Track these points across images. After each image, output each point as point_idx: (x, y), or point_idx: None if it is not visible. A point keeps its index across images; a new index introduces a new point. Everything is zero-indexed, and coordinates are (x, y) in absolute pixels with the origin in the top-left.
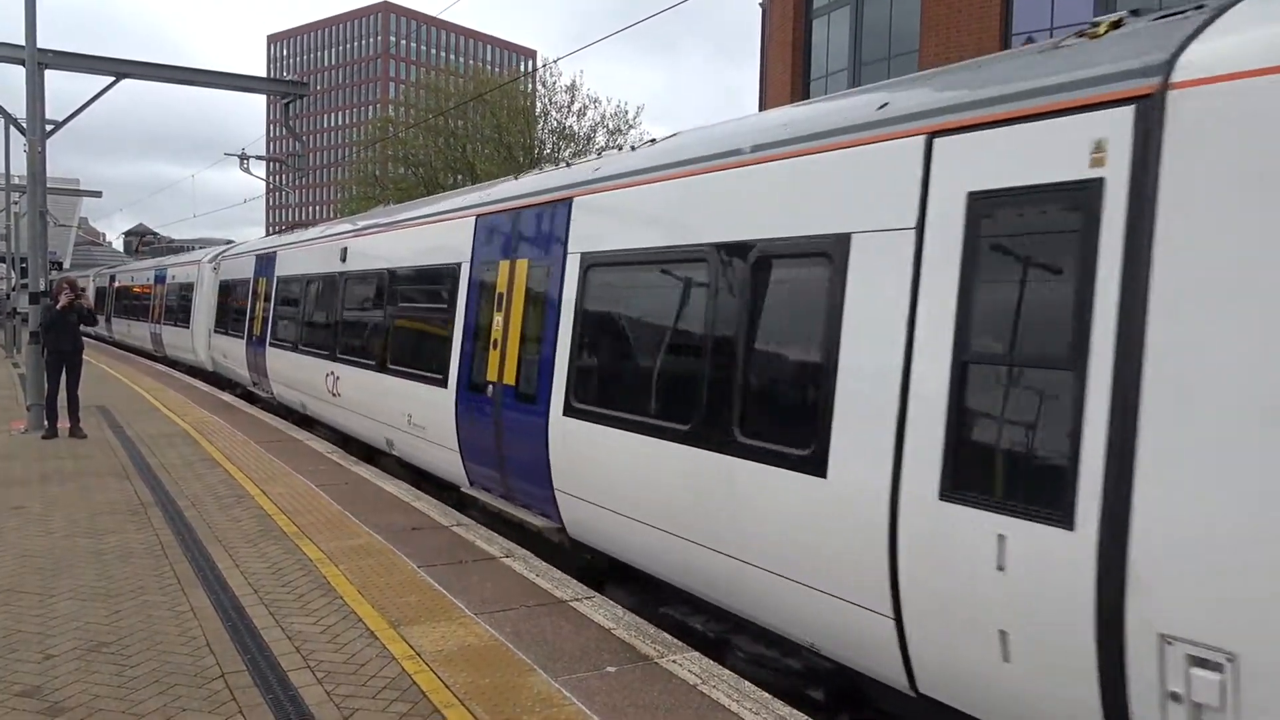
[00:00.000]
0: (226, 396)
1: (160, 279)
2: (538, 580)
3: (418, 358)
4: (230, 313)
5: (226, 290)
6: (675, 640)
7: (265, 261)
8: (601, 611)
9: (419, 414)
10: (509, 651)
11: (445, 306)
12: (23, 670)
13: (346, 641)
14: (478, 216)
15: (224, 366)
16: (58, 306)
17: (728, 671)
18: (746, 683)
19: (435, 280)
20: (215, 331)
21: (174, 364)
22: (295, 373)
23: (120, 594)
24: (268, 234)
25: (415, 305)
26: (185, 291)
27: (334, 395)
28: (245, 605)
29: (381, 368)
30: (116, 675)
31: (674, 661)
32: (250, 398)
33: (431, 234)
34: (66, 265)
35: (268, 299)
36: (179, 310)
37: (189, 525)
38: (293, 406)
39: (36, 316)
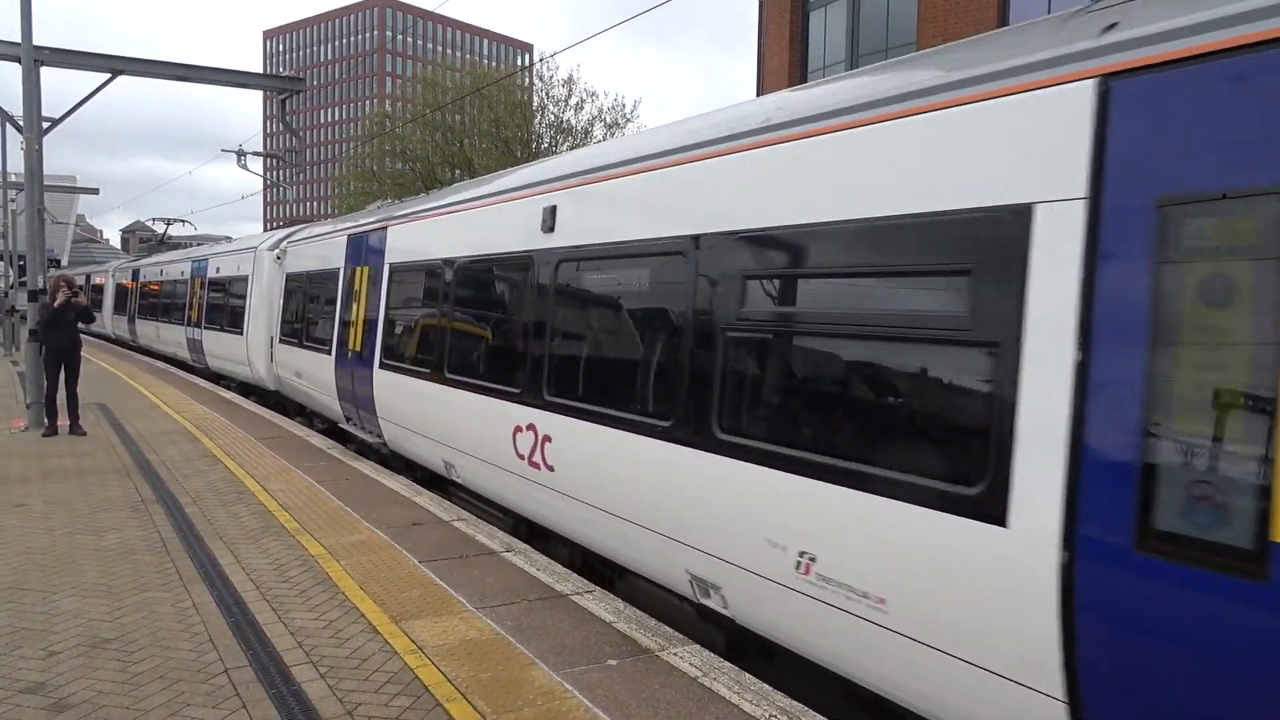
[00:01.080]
0: (226, 393)
1: (199, 272)
2: (539, 574)
3: (846, 431)
4: (306, 316)
5: (299, 286)
6: (676, 633)
7: (367, 243)
8: (603, 605)
9: (859, 568)
10: (511, 645)
11: (960, 314)
12: (26, 667)
13: (349, 636)
14: (1109, 75)
15: (297, 389)
16: (54, 305)
17: (728, 664)
18: (747, 675)
19: (914, 251)
20: (282, 341)
21: (219, 379)
22: (437, 414)
23: (122, 590)
24: (266, 229)
25: (828, 313)
26: (236, 287)
27: (537, 466)
28: (247, 601)
29: (697, 437)
30: (120, 671)
31: (675, 654)
32: (339, 435)
33: (872, 149)
34: (64, 263)
35: (374, 298)
36: (226, 311)
37: (190, 522)
38: (423, 463)
39: (35, 314)
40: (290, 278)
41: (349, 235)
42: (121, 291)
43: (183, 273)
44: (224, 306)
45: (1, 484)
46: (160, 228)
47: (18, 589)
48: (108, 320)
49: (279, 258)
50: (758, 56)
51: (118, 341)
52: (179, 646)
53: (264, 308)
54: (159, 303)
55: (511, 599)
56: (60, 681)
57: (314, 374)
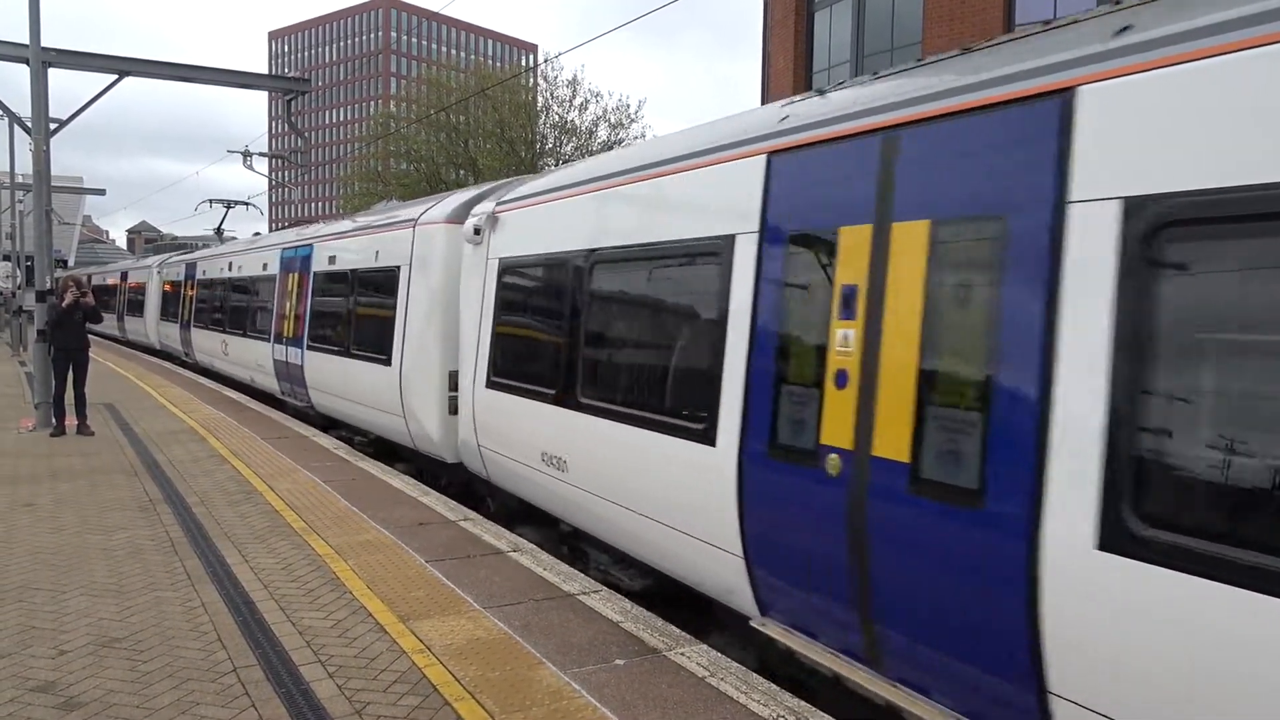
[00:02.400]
0: (233, 394)
1: (298, 263)
2: (545, 574)
3: None
4: (590, 346)
5: (550, 284)
6: (683, 633)
7: (909, 156)
8: (609, 605)
9: None
10: (518, 645)
11: None
12: (37, 665)
13: (357, 636)
14: None
15: (539, 488)
16: (62, 305)
17: (735, 664)
18: (755, 675)
19: None
20: (493, 384)
21: (332, 423)
22: None
23: (131, 590)
24: (271, 229)
25: None
26: (373, 286)
27: None
28: (255, 600)
29: None
30: (130, 670)
31: (682, 654)
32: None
33: None
34: (71, 263)
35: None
36: (352, 324)
37: (198, 522)
38: None
39: (43, 315)
40: (511, 269)
41: (770, 154)
42: (172, 291)
43: (266, 265)
44: (347, 316)
45: (10, 484)
46: (180, 229)
47: (27, 588)
48: (151, 328)
49: (476, 232)
50: (762, 56)
51: (165, 354)
52: (188, 645)
53: (436, 322)
54: (227, 305)
55: (518, 598)
56: (70, 680)
57: (636, 479)
